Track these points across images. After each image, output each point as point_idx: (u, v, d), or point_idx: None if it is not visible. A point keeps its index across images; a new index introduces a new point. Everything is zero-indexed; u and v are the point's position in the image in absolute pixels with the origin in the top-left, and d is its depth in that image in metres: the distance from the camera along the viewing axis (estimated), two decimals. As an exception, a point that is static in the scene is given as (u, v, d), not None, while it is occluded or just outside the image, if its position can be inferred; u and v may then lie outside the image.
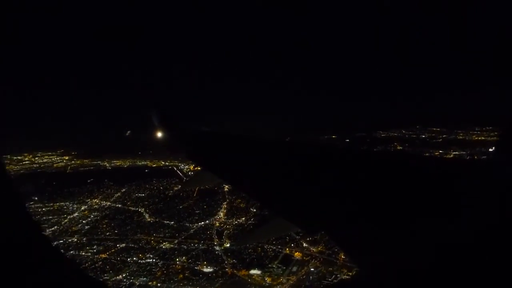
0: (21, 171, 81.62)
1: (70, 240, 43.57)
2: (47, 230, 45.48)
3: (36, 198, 58.53)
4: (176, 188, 62.91)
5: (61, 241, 42.85)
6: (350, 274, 32.79)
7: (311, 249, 37.50)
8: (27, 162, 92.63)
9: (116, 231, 45.87)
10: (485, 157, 63.24)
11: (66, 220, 50.13)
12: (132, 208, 54.33)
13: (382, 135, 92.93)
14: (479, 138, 76.23)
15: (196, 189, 64.17)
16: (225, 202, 54.06)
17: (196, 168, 70.64)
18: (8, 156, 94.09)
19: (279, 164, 3.63)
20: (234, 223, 46.37)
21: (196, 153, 6.02)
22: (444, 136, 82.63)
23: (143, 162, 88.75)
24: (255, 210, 49.50)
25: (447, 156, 65.88)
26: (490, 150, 66.62)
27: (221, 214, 49.98)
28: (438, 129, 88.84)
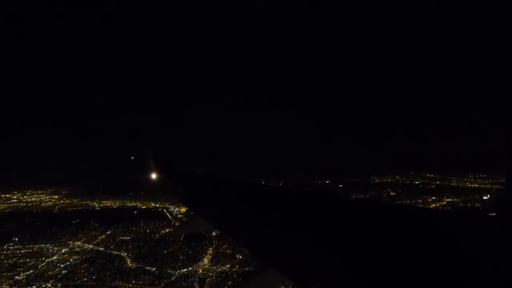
0: (7, 210, 79.97)
1: (43, 286, 41.44)
2: (21, 274, 43.49)
3: (17, 239, 56.71)
4: (163, 232, 61.32)
5: (34, 287, 40.74)
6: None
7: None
8: (15, 200, 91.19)
9: (94, 277, 43.86)
10: (479, 205, 62.89)
11: (43, 264, 48.06)
12: (115, 252, 52.37)
13: (376, 181, 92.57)
14: (473, 186, 75.80)
15: (184, 233, 62.97)
16: (211, 248, 52.31)
17: (186, 211, 69.67)
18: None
19: (274, 212, 3.44)
20: (217, 270, 44.52)
21: (189, 197, 5.75)
22: (437, 182, 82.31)
23: (133, 203, 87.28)
24: (241, 257, 47.86)
25: (441, 203, 65.58)
26: (485, 198, 66.25)
27: (206, 260, 48.15)
28: (432, 175, 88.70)
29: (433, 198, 68.07)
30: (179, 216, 73.56)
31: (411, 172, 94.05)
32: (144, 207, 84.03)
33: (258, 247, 2.96)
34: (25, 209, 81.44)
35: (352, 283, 1.90)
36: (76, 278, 43.59)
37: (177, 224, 66.20)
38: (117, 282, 41.90)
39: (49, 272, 45.57)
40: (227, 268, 45.09)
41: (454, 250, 1.84)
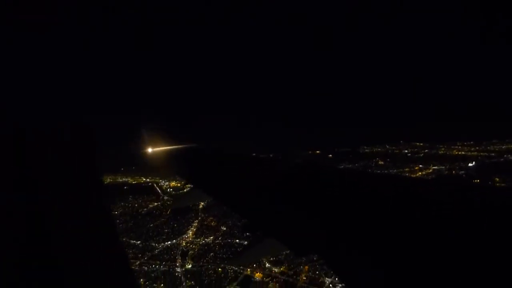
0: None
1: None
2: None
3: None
4: (151, 206, 61.85)
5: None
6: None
7: (273, 269, 36.27)
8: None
9: (78, 252, 44.31)
10: (463, 172, 63.44)
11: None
12: (101, 227, 52.82)
13: (366, 151, 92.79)
14: (460, 153, 75.99)
15: (171, 206, 63.46)
16: (197, 220, 52.97)
17: (176, 185, 70.13)
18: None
19: (271, 182, 3.68)
20: (200, 243, 45.05)
21: (186, 170, 5.97)
22: (426, 151, 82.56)
23: (124, 179, 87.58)
24: (224, 229, 48.49)
25: (427, 171, 66.05)
26: (470, 165, 66.72)
27: (190, 233, 48.74)
28: (421, 144, 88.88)
29: (420, 166, 68.48)
30: (168, 190, 74.07)
31: (401, 142, 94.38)
32: (134, 182, 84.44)
33: (255, 217, 3.06)
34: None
35: (344, 248, 2.00)
36: (61, 253, 44.10)
37: (165, 197, 66.90)
38: (101, 256, 42.33)
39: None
40: (210, 240, 45.65)
41: (430, 216, 2.00)
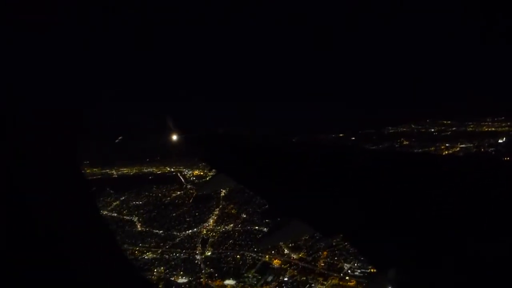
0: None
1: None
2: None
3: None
4: (174, 195, 63.04)
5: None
6: (326, 283, 31.35)
7: (292, 255, 36.19)
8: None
9: (105, 242, 46.00)
10: (492, 149, 60.38)
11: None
12: (126, 217, 54.68)
13: (391, 131, 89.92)
14: (490, 129, 72.41)
15: (194, 195, 64.39)
16: (218, 208, 53.46)
17: (200, 173, 70.85)
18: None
19: (295, 165, 3.69)
20: (221, 231, 45.65)
21: (211, 156, 5.99)
22: (453, 129, 78.99)
23: (149, 169, 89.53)
24: (245, 216, 48.77)
25: (454, 150, 63.40)
26: (500, 141, 63.38)
27: (211, 221, 49.41)
28: (449, 122, 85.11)
29: (447, 145, 65.85)
30: (192, 179, 75.14)
31: (428, 120, 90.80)
32: (159, 172, 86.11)
33: (281, 200, 3.07)
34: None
35: (370, 229, 2.00)
36: (88, 244, 45.92)
37: (189, 186, 67.97)
38: (125, 246, 43.79)
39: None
40: (230, 228, 46.13)
41: (452, 193, 1.96)
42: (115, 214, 56.55)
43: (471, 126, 77.86)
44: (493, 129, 72.40)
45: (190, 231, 46.68)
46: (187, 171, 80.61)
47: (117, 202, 61.86)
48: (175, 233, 46.40)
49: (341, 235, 2.15)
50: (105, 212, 57.57)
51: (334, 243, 34.86)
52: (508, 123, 72.18)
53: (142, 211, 56.60)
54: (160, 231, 47.47)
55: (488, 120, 78.00)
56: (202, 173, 76.40)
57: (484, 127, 74.60)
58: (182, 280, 34.89)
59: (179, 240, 44.40)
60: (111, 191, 67.42)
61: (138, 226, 50.37)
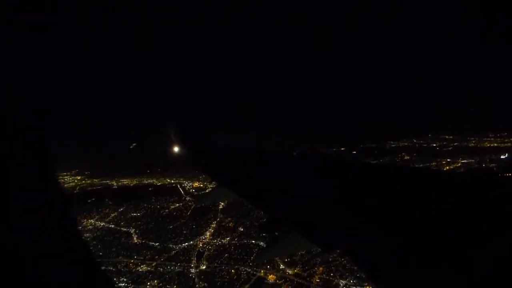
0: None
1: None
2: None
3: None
4: (172, 207, 62.74)
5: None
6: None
7: (287, 271, 35.59)
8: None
9: (100, 254, 45.62)
10: (494, 165, 59.75)
11: (56, 243, 50.46)
12: (124, 229, 54.24)
13: (392, 145, 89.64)
14: (492, 145, 71.87)
15: (192, 207, 64.00)
16: (215, 221, 53.05)
17: (199, 185, 70.95)
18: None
19: (295, 178, 3.65)
20: (217, 244, 45.13)
21: (211, 168, 6.02)
22: (455, 144, 78.56)
23: (149, 181, 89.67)
24: (242, 229, 48.29)
25: (455, 165, 62.83)
26: (502, 157, 62.77)
27: (208, 234, 48.93)
28: (451, 137, 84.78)
29: (448, 160, 65.33)
30: (191, 191, 74.97)
31: (429, 135, 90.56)
32: (159, 183, 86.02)
33: (280, 213, 3.07)
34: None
35: (367, 245, 1.99)
36: (83, 255, 45.48)
37: (187, 198, 67.73)
38: (120, 258, 43.40)
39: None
40: (226, 241, 45.59)
41: (449, 208, 1.93)
42: (112, 226, 56.22)
43: (473, 141, 77.47)
44: (495, 144, 71.95)
45: (186, 244, 46.20)
46: (187, 183, 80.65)
47: (115, 214, 61.58)
48: (171, 245, 45.91)
49: (338, 251, 2.14)
50: (102, 224, 57.45)
51: (330, 259, 34.33)
52: (511, 139, 71.67)
53: (139, 222, 56.26)
54: (156, 244, 47.01)
55: (490, 135, 77.62)
56: (201, 185, 76.42)
57: (486, 143, 74.15)
58: (174, 294, 34.36)
59: (174, 253, 43.90)
60: (110, 203, 67.35)
61: (135, 238, 49.93)
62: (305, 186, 3.30)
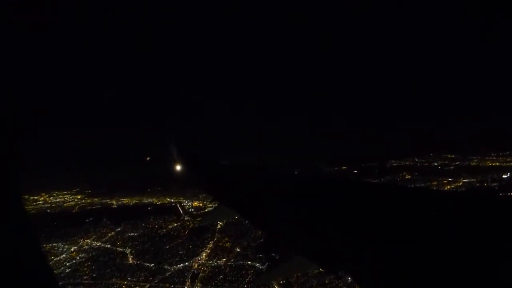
0: (32, 212, 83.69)
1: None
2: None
3: (31, 240, 59.16)
4: (170, 227, 62.07)
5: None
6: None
7: (282, 294, 34.63)
8: (41, 202, 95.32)
9: (94, 275, 44.93)
10: (495, 184, 58.95)
11: (50, 263, 49.76)
12: (120, 249, 53.57)
13: (394, 164, 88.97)
14: (494, 164, 71.04)
15: (190, 227, 63.28)
16: (212, 241, 52.29)
17: (199, 205, 70.72)
18: (26, 196, 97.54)
19: (299, 199, 3.53)
20: (212, 265, 44.28)
21: (213, 187, 5.90)
22: (457, 163, 77.80)
23: (149, 200, 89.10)
24: (238, 250, 47.50)
25: (457, 184, 62.06)
26: (504, 176, 61.93)
27: (204, 255, 48.12)
28: (452, 156, 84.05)
29: (449, 179, 64.58)
30: (190, 210, 74.39)
31: (431, 154, 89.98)
32: (159, 202, 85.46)
33: (281, 234, 3.04)
34: (48, 210, 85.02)
35: (364, 267, 1.99)
36: (77, 276, 44.81)
37: (186, 218, 67.10)
38: (113, 279, 42.63)
39: (54, 271, 47.12)
40: (222, 262, 44.77)
41: (448, 229, 1.91)
42: (109, 246, 55.55)
43: (475, 160, 76.67)
44: (497, 164, 71.12)
45: (181, 265, 45.41)
46: (186, 202, 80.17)
47: (112, 233, 60.97)
48: (166, 266, 45.15)
49: (335, 273, 2.11)
50: (98, 244, 56.80)
51: (326, 281, 33.46)
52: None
53: (136, 242, 55.60)
54: (151, 264, 46.25)
55: (492, 154, 76.88)
56: (201, 205, 75.95)
57: (488, 162, 73.34)
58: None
59: (169, 274, 43.15)
60: (108, 222, 66.72)
61: (130, 259, 49.18)
62: (305, 206, 3.20)
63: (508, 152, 74.83)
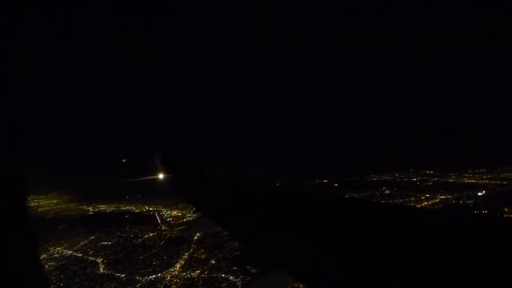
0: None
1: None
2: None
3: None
4: (146, 236, 60.67)
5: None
6: None
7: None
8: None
9: (61, 285, 43.23)
10: (471, 201, 60.14)
11: (16, 271, 47.80)
12: (91, 258, 51.93)
13: (374, 179, 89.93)
14: (470, 181, 72.56)
15: (166, 237, 62.01)
16: (188, 252, 51.21)
17: (177, 214, 69.57)
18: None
19: (276, 211, 3.55)
20: (186, 277, 43.21)
21: (195, 198, 5.80)
22: (435, 179, 79.20)
23: (127, 207, 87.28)
24: (213, 262, 46.62)
25: (434, 201, 63.06)
26: (479, 194, 63.23)
27: (178, 266, 47.00)
28: (431, 172, 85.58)
29: (427, 195, 65.60)
30: (168, 219, 73.05)
31: (411, 169, 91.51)
32: (137, 210, 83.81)
33: (264, 248, 2.91)
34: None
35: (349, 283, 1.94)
36: (43, 286, 43.00)
37: (163, 227, 65.75)
38: (80, 290, 41.15)
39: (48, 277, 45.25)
40: (196, 274, 43.79)
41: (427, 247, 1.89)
42: (80, 255, 53.82)
43: (453, 177, 78.19)
44: (473, 181, 72.62)
45: (153, 276, 44.21)
46: (165, 210, 78.84)
47: (85, 242, 59.21)
48: (137, 277, 43.85)
49: None
50: (69, 252, 55.01)
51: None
52: (489, 176, 72.56)
53: (109, 252, 54.06)
54: (122, 275, 44.85)
55: (469, 171, 78.57)
56: (179, 214, 74.73)
57: (465, 179, 74.90)
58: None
59: (139, 286, 41.82)
60: (82, 229, 64.77)
61: (101, 269, 47.64)
62: (285, 220, 3.21)
63: (484, 169, 76.65)
